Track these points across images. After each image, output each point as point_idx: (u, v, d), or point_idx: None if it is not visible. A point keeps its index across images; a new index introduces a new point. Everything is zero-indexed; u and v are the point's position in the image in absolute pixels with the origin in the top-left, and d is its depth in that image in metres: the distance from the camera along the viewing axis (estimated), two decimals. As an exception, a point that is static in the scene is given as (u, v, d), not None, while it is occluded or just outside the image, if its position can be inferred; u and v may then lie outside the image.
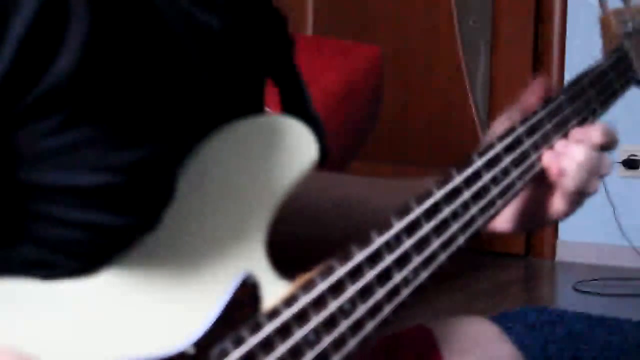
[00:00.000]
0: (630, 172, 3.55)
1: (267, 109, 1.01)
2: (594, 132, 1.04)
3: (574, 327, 2.75)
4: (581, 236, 3.59)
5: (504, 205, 0.99)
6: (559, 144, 1.03)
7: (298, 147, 0.89)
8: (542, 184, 1.04)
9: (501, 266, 3.53)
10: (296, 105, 1.01)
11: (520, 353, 1.09)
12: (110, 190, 0.79)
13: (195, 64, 0.84)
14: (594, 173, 1.03)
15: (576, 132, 1.04)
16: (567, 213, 1.05)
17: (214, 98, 0.88)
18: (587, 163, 1.02)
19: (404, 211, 0.90)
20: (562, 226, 3.63)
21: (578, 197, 1.03)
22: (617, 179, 3.53)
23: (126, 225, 0.80)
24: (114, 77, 0.77)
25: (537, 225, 1.08)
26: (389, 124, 3.59)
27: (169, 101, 0.81)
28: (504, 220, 1.06)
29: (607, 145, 1.04)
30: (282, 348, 0.79)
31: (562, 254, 3.63)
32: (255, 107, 0.98)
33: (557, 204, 1.04)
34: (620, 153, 3.53)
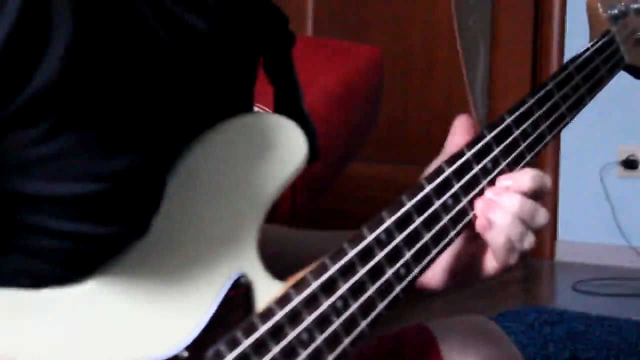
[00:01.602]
0: (629, 172, 3.55)
1: (259, 107, 1.00)
2: (522, 178, 0.95)
3: (573, 327, 2.75)
4: (580, 236, 3.59)
5: (439, 254, 0.92)
6: (489, 191, 0.95)
7: (288, 145, 0.89)
8: (475, 236, 0.96)
9: (500, 266, 3.53)
10: (289, 102, 1.00)
11: (519, 352, 1.09)
12: (97, 199, 0.78)
13: (182, 68, 0.84)
14: (529, 224, 0.93)
15: (504, 178, 0.95)
16: (498, 272, 0.95)
17: (202, 101, 0.87)
18: (521, 212, 0.93)
19: (395, 207, 0.90)
20: (561, 226, 3.63)
21: (510, 253, 0.93)
22: (616, 179, 3.53)
23: (115, 233, 0.80)
24: (99, 83, 0.76)
25: (467, 283, 0.98)
26: (389, 124, 3.60)
27: (156, 107, 0.80)
28: (434, 277, 0.98)
29: (538, 191, 0.94)
30: (275, 349, 0.80)
31: (561, 253, 3.64)
32: (244, 107, 0.97)
33: (489, 260, 0.95)
34: (619, 153, 3.53)
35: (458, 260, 0.98)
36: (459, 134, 0.98)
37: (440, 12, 3.70)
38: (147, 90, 0.79)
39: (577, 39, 3.53)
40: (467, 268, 0.97)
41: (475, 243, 0.96)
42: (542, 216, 0.94)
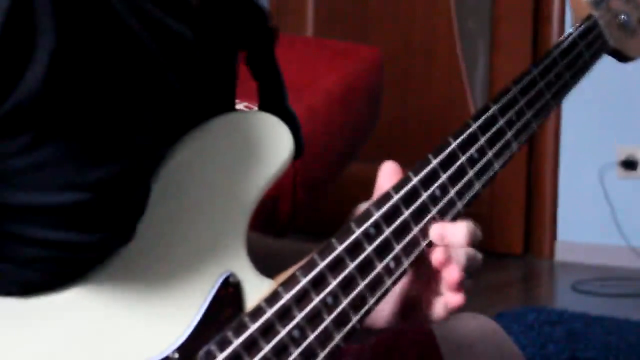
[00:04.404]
0: (629, 173, 3.55)
1: (245, 104, 0.99)
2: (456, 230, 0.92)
3: (572, 327, 2.75)
4: (580, 236, 3.60)
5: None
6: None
7: (273, 141, 0.88)
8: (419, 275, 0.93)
9: (500, 266, 3.54)
10: (272, 99, 0.99)
11: (520, 351, 1.09)
12: (80, 208, 0.77)
13: (167, 74, 0.83)
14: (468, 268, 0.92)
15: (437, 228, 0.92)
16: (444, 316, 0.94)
17: (187, 105, 0.87)
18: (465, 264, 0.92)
19: (382, 201, 0.90)
20: (560, 226, 3.64)
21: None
22: (616, 179, 3.53)
23: (99, 241, 0.79)
24: (82, 92, 0.75)
25: (418, 320, 0.95)
26: (389, 124, 3.60)
27: (139, 114, 0.80)
28: (381, 318, 0.95)
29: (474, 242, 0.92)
30: (267, 347, 0.80)
31: (561, 253, 3.64)
32: (228, 106, 0.97)
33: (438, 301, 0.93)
34: (618, 154, 3.54)
35: (405, 301, 0.95)
36: (387, 179, 0.95)
37: (440, 12, 3.71)
38: (130, 98, 0.79)
39: (576, 40, 3.54)
40: (414, 309, 0.95)
41: (420, 282, 0.94)
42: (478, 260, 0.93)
